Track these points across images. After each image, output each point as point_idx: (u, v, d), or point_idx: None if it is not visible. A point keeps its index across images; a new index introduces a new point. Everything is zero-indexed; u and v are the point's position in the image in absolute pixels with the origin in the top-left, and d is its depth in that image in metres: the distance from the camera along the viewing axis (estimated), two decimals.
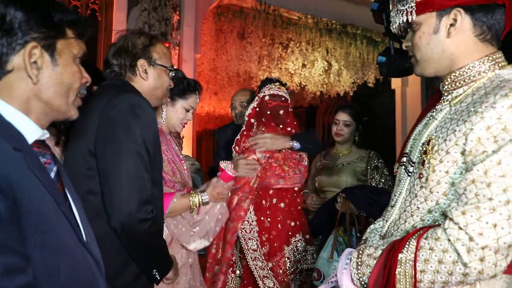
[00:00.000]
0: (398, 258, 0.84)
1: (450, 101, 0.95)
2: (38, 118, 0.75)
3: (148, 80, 1.39)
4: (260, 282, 1.89)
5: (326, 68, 6.16)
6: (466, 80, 0.93)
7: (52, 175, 0.75)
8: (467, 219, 0.78)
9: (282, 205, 2.04)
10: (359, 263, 0.91)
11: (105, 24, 4.00)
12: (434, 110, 0.99)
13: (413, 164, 0.97)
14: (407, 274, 0.83)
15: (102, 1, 4.03)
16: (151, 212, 1.22)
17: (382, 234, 1.05)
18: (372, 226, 1.14)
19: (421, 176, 0.91)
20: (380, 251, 0.89)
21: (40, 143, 0.76)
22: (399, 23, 0.98)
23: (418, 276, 0.82)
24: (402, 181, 1.01)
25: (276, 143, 2.08)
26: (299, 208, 2.12)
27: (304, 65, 6.01)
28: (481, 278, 0.79)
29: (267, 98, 2.08)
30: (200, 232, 1.67)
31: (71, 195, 0.81)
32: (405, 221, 0.95)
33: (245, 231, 1.94)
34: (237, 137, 2.12)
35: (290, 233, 2.02)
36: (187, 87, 1.76)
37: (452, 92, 0.95)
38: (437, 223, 0.89)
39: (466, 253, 0.77)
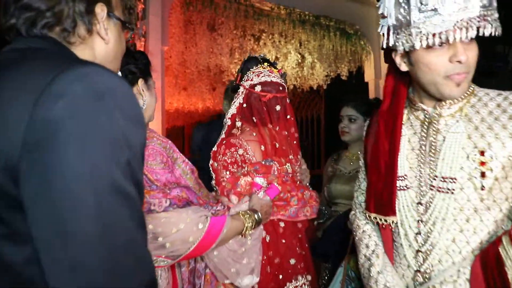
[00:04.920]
0: (499, 251, 0.83)
1: (453, 114, 0.97)
2: None
3: (109, 42, 0.79)
4: None
5: (300, 61, 6.00)
6: (464, 95, 0.97)
7: None
8: None
9: (268, 238, 1.48)
10: None
11: None
12: (427, 126, 1.00)
13: (454, 180, 0.93)
14: None
15: None
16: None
17: (418, 269, 0.89)
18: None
19: (483, 188, 0.90)
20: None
21: None
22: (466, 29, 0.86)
23: None
24: (434, 205, 0.96)
25: (308, 177, 1.67)
26: (299, 236, 1.53)
27: (277, 58, 5.82)
28: None
29: (258, 88, 1.52)
30: (248, 265, 1.29)
31: None
32: (467, 242, 0.92)
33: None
34: (213, 149, 1.53)
35: (281, 277, 1.46)
36: (147, 60, 1.31)
37: (444, 107, 0.98)
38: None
39: None
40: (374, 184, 1.03)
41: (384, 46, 1.00)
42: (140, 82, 1.25)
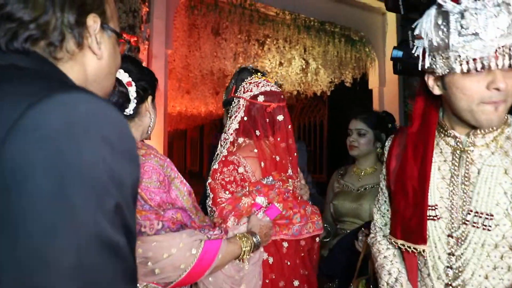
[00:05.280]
0: None
1: (488, 144, 0.95)
2: None
3: (102, 58, 0.70)
4: None
5: (304, 66, 5.98)
6: (497, 125, 0.95)
7: None
8: None
9: (270, 260, 1.37)
10: None
11: None
12: (459, 155, 0.98)
13: (491, 217, 0.91)
14: None
15: None
16: None
17: None
18: None
19: None
20: None
21: None
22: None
23: None
24: (468, 240, 0.93)
25: (308, 192, 1.59)
26: (302, 255, 1.43)
27: (281, 63, 5.80)
28: None
29: (260, 99, 1.40)
30: None
31: None
32: (501, 279, 0.90)
33: None
34: (213, 167, 1.40)
35: None
36: (155, 77, 1.25)
37: (478, 136, 0.96)
38: None
39: None
40: (402, 210, 0.99)
41: (419, 69, 0.96)
42: (149, 99, 1.21)
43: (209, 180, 1.37)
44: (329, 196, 2.09)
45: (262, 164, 1.41)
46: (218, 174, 1.37)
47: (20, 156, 0.45)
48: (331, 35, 5.83)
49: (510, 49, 0.79)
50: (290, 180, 1.44)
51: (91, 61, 0.68)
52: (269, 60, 5.66)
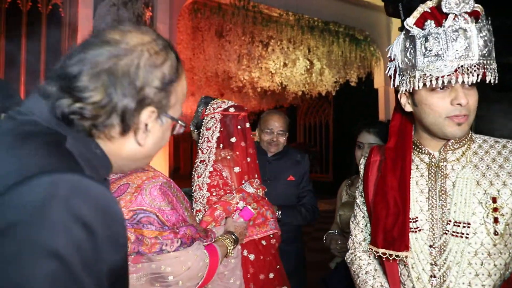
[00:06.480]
0: None
1: (458, 159, 1.03)
2: None
3: (144, 146, 0.66)
4: None
5: (308, 67, 5.97)
6: (464, 141, 1.04)
7: None
8: None
9: (252, 257, 1.58)
10: None
11: (69, 20, 3.63)
12: (434, 170, 1.05)
13: (468, 225, 0.97)
14: None
15: None
16: None
17: None
18: None
19: (496, 233, 0.95)
20: None
21: None
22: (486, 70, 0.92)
23: None
24: (449, 249, 0.99)
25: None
26: (273, 252, 1.65)
27: (285, 64, 5.80)
28: None
29: (232, 110, 1.64)
30: (235, 283, 1.38)
31: None
32: (483, 286, 0.95)
33: None
34: (207, 181, 1.57)
35: None
36: None
37: (448, 152, 1.04)
38: None
39: None
40: (383, 220, 1.04)
41: (391, 87, 1.07)
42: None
43: (208, 181, 1.58)
44: (337, 205, 2.10)
45: (237, 169, 1.63)
46: (217, 189, 1.57)
47: None
48: (335, 35, 5.82)
49: (468, 69, 0.90)
50: (261, 189, 1.69)
51: (131, 146, 0.64)
52: (273, 61, 5.66)
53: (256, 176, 1.68)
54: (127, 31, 0.63)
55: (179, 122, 0.70)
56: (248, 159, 1.67)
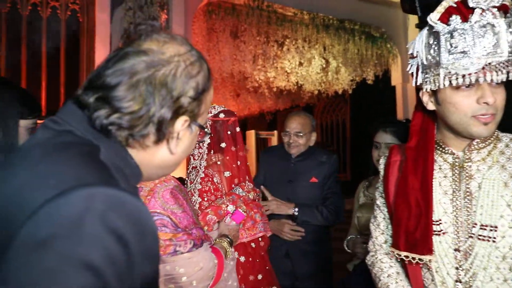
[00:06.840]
0: None
1: (484, 159, 0.99)
2: None
3: (175, 154, 0.68)
4: None
5: (324, 65, 5.93)
6: (490, 140, 1.00)
7: None
8: None
9: (242, 259, 1.62)
10: None
11: (87, 25, 3.70)
12: (458, 171, 1.01)
13: (495, 229, 0.92)
14: None
15: (83, 1, 3.74)
16: None
17: None
18: None
19: None
20: None
21: None
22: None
23: None
24: (475, 253, 0.94)
25: (280, 208, 1.97)
26: (262, 254, 1.70)
27: (301, 64, 5.77)
28: None
29: (222, 115, 1.66)
30: (232, 285, 1.43)
31: None
32: None
33: None
34: (199, 187, 1.63)
35: None
36: None
37: (473, 152, 1.00)
38: None
39: None
40: (405, 222, 1.00)
41: (413, 85, 1.02)
42: None
43: (200, 187, 1.63)
44: (354, 207, 2.06)
45: (227, 173, 1.67)
46: (207, 194, 1.62)
47: (29, 239, 0.46)
48: (351, 32, 5.75)
49: (496, 66, 0.85)
50: (252, 192, 1.73)
51: (163, 154, 0.66)
52: (289, 61, 5.64)
53: (247, 179, 1.71)
54: (163, 41, 0.64)
55: (206, 130, 0.72)
56: (239, 163, 1.71)
